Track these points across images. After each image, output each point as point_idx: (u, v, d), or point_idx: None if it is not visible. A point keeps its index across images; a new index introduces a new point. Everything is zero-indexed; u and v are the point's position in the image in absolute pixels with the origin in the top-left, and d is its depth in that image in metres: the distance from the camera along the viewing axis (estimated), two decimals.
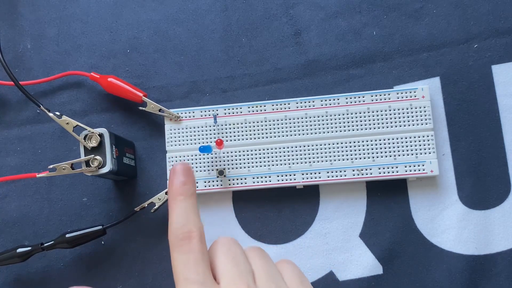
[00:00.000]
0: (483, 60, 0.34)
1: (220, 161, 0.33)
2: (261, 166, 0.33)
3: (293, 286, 0.26)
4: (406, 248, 0.33)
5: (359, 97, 0.33)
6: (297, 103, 0.33)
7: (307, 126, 0.33)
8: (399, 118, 0.33)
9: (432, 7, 0.34)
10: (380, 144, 0.33)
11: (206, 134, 0.34)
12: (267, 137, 0.33)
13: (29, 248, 0.32)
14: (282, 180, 0.33)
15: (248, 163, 0.33)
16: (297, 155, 0.33)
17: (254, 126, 0.34)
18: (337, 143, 0.33)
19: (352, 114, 0.33)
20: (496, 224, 0.32)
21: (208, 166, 0.33)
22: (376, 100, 0.33)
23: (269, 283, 0.25)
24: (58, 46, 0.36)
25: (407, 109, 0.33)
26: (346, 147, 0.33)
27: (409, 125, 0.32)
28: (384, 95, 0.33)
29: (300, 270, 0.28)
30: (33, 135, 0.36)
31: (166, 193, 0.33)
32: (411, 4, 0.35)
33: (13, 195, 0.35)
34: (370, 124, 0.33)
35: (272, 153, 0.33)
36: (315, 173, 0.33)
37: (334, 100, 0.33)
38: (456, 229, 0.33)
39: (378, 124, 0.33)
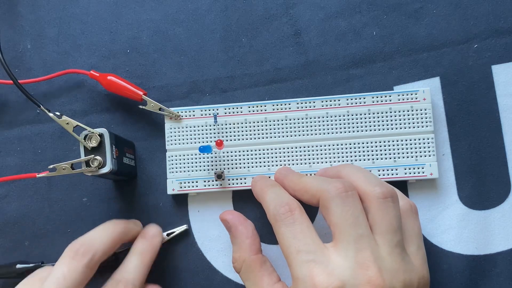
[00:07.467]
0: (483, 60, 0.34)
1: (220, 161, 0.33)
2: (261, 166, 0.33)
3: (417, 260, 0.26)
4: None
5: (359, 98, 0.33)
6: (297, 104, 0.33)
7: (307, 126, 0.33)
8: (400, 120, 0.33)
9: (432, 7, 0.34)
10: (380, 146, 0.32)
11: (206, 134, 0.34)
12: (267, 137, 0.33)
13: (31, 265, 0.33)
14: None
15: (248, 163, 0.33)
16: (297, 156, 0.33)
17: (254, 126, 0.34)
18: (337, 144, 0.33)
19: (352, 115, 0.33)
20: (496, 224, 0.32)
21: (208, 166, 0.33)
22: (377, 101, 0.33)
23: (392, 250, 0.25)
24: (58, 46, 0.36)
25: (408, 111, 0.33)
26: (346, 148, 0.33)
27: (409, 128, 0.32)
28: (385, 96, 0.33)
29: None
30: (33, 135, 0.36)
31: (167, 235, 0.34)
32: (411, 4, 0.35)
33: (13, 195, 0.35)
34: (370, 126, 0.33)
35: (272, 153, 0.33)
36: (315, 174, 0.33)
37: (334, 101, 0.33)
38: (456, 229, 0.33)
39: (379, 125, 0.33)
